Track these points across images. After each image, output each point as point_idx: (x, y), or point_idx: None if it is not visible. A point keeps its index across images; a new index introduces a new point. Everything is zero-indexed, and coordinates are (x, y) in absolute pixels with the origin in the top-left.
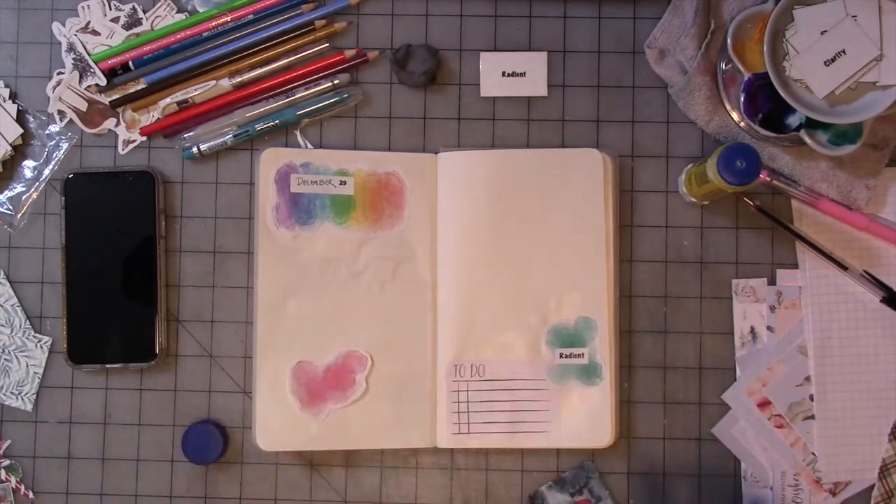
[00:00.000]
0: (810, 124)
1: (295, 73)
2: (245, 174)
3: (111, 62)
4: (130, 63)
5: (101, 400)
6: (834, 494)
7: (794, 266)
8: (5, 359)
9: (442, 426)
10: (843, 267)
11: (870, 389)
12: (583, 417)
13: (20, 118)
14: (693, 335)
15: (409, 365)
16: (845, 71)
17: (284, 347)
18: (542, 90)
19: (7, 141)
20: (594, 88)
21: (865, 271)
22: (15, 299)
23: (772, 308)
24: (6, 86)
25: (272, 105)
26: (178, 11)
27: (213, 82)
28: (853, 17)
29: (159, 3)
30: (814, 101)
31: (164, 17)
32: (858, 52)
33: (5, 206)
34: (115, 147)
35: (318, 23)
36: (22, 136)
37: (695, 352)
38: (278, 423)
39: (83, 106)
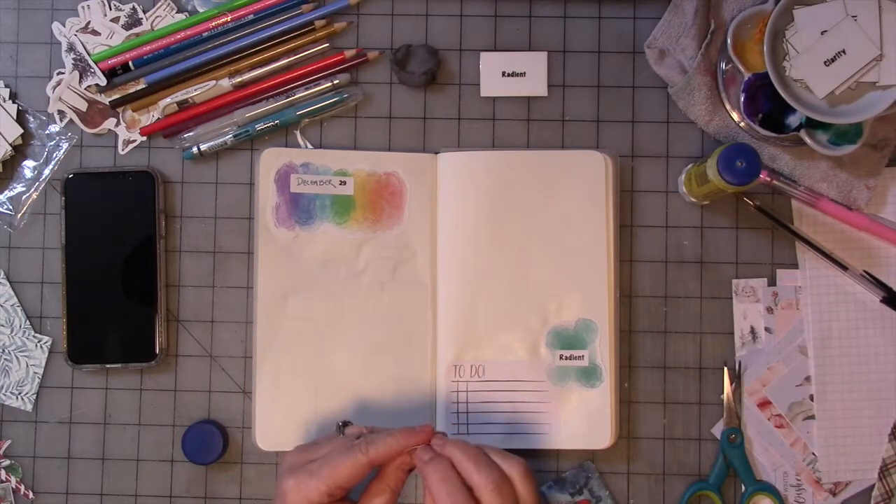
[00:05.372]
0: (810, 124)
1: (295, 73)
2: (245, 174)
3: (111, 62)
4: (130, 63)
5: (101, 400)
6: (834, 494)
7: (794, 266)
8: (5, 359)
9: (441, 426)
10: (843, 267)
11: (870, 389)
12: (582, 419)
13: (20, 118)
14: (693, 335)
15: (408, 365)
16: (845, 71)
17: (284, 347)
18: (542, 90)
19: (7, 141)
20: (594, 88)
21: (865, 271)
22: (15, 299)
23: (769, 309)
24: (6, 86)
25: (272, 105)
26: (178, 11)
27: (213, 82)
28: (853, 17)
29: (159, 3)
30: (814, 101)
31: (164, 17)
32: (858, 52)
33: (5, 206)
34: (115, 147)
35: (318, 23)
36: (22, 136)
37: (695, 352)
38: (278, 423)
39: (83, 106)
